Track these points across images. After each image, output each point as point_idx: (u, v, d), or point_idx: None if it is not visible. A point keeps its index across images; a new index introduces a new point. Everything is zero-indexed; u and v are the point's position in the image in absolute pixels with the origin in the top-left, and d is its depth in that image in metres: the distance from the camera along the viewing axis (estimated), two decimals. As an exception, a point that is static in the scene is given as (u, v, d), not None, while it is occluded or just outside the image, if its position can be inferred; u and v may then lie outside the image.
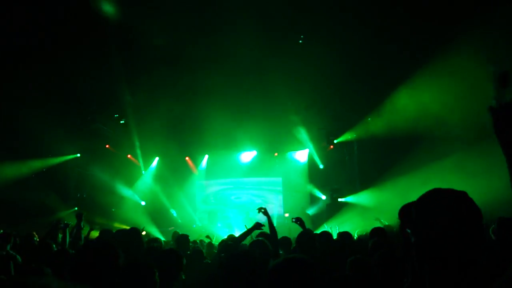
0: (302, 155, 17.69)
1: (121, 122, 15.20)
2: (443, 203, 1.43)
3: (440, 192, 1.47)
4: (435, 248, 1.39)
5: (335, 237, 6.60)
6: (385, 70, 11.35)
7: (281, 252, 5.52)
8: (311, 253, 4.24)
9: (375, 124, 13.63)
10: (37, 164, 13.19)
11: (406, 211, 1.53)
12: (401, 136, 12.24)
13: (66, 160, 14.75)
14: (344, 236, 5.62)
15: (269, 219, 5.29)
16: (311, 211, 16.16)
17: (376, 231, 5.35)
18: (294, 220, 5.77)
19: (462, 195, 1.44)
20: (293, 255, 2.01)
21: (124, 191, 16.45)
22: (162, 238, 9.91)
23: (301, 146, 17.07)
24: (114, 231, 5.68)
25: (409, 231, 1.51)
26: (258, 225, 5.24)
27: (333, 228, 10.88)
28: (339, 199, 15.53)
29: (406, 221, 1.51)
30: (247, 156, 17.44)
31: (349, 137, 15.21)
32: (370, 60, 11.20)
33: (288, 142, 16.58)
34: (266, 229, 5.23)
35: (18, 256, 4.84)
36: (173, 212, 17.50)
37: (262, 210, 5.48)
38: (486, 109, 1.50)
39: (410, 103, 11.41)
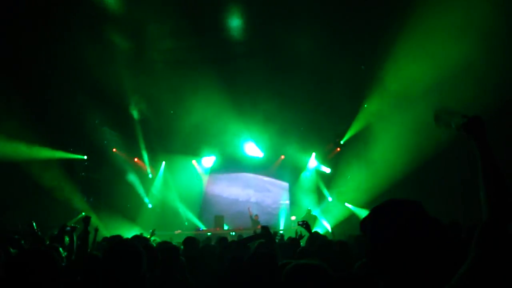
0: (310, 160, 17.61)
1: None
2: (394, 212, 1.42)
3: (394, 202, 1.46)
4: (385, 257, 1.38)
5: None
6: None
7: None
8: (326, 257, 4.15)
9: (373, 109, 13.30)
10: (47, 153, 13.27)
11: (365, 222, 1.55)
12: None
13: (73, 160, 14.83)
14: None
15: (271, 238, 5.10)
16: (317, 211, 16.08)
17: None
18: (300, 223, 5.76)
19: (417, 204, 1.43)
20: (306, 261, 2.10)
21: (131, 194, 16.50)
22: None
23: (309, 150, 17.01)
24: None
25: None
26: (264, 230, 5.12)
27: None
28: (346, 204, 15.52)
29: (363, 231, 1.53)
30: (253, 150, 17.22)
31: (353, 132, 15.09)
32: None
33: (295, 146, 16.54)
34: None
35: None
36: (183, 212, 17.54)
37: (264, 231, 5.33)
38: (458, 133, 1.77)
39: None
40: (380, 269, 1.40)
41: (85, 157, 15.25)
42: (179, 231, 15.73)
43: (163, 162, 17.84)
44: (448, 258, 1.38)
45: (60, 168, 13.54)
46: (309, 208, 15.44)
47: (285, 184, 18.56)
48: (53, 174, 13.01)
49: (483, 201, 1.54)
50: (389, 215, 1.42)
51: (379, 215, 1.45)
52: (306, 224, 5.63)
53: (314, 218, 15.02)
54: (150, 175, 17.66)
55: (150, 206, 17.25)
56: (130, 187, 16.46)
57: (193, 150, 17.32)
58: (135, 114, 14.94)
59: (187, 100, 13.07)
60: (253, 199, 18.37)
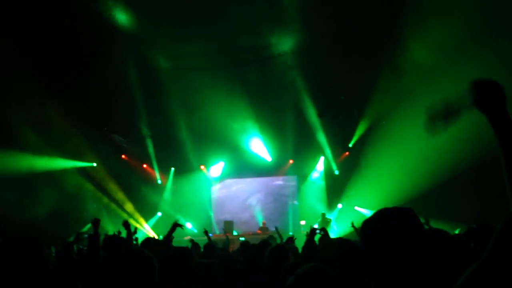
0: (318, 165, 17.56)
1: None
2: (383, 221, 1.44)
3: (384, 211, 1.48)
4: (377, 265, 1.40)
5: None
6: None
7: None
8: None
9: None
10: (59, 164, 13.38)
11: None
12: None
13: (83, 168, 14.91)
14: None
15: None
16: (331, 215, 15.96)
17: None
18: (318, 231, 5.22)
19: (407, 211, 1.44)
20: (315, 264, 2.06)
21: (140, 201, 16.50)
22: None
23: (317, 154, 16.94)
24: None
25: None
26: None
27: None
28: (355, 207, 15.44)
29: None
30: (261, 151, 17.15)
31: (361, 131, 15.02)
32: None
33: (303, 149, 16.49)
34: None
35: None
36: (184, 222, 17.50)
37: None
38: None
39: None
40: (374, 276, 1.41)
41: (95, 164, 15.30)
42: (189, 237, 15.67)
43: (172, 169, 17.84)
44: (442, 264, 1.37)
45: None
46: (323, 212, 15.33)
47: (294, 189, 18.46)
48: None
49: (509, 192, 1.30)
50: (379, 222, 1.44)
51: (371, 223, 1.48)
52: (324, 231, 5.26)
53: (329, 221, 14.93)
54: (159, 182, 17.68)
55: (159, 214, 17.20)
56: (140, 194, 16.47)
57: (202, 155, 17.28)
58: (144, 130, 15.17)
59: (198, 107, 13.10)
60: (262, 204, 18.24)
